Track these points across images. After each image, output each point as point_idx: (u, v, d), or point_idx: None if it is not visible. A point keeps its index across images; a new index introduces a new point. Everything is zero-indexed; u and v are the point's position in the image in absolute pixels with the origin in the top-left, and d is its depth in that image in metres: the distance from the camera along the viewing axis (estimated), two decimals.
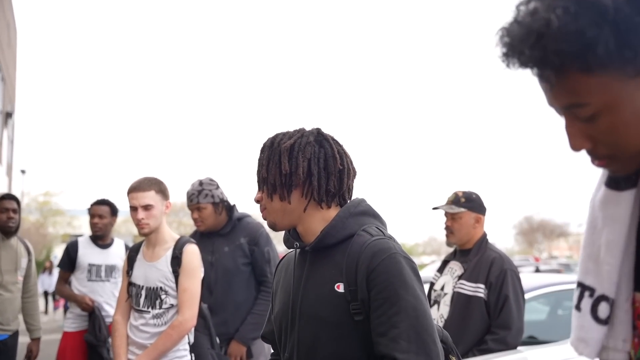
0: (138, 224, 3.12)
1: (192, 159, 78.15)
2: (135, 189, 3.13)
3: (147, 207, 3.10)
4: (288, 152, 1.67)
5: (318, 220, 1.69)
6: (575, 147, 0.97)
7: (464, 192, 3.59)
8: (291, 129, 1.76)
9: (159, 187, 3.17)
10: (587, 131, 0.95)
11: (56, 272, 18.64)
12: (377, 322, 1.55)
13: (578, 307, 1.10)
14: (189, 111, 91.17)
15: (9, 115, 20.25)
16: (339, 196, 1.71)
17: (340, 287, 1.60)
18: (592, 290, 1.07)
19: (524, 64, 0.91)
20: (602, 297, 1.06)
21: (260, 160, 1.73)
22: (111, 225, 4.88)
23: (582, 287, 1.09)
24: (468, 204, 3.55)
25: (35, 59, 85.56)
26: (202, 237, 3.96)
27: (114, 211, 4.89)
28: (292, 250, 1.81)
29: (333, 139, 1.74)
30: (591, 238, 1.09)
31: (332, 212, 1.70)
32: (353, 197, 1.76)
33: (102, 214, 4.79)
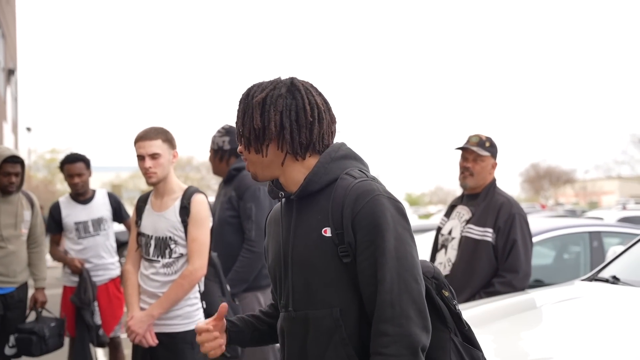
0: (146, 172, 3.12)
1: (198, 114, 77.83)
2: (142, 137, 3.12)
3: (154, 156, 3.10)
4: (260, 106, 1.67)
5: (298, 169, 1.70)
6: None
7: (487, 137, 3.58)
8: (268, 79, 1.73)
9: (166, 136, 3.15)
10: None
11: None
12: (365, 265, 1.59)
13: None
14: (193, 65, 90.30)
15: (11, 72, 20.11)
16: (312, 146, 1.69)
17: (327, 232, 1.63)
18: None
19: None
20: None
21: (237, 112, 1.73)
22: (89, 178, 4.76)
23: None
24: (492, 149, 3.56)
25: (36, 14, 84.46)
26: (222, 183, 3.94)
27: (88, 164, 4.73)
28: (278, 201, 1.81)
29: (306, 89, 1.70)
30: None
31: (312, 161, 1.70)
32: (333, 142, 1.75)
33: (80, 172, 4.65)
